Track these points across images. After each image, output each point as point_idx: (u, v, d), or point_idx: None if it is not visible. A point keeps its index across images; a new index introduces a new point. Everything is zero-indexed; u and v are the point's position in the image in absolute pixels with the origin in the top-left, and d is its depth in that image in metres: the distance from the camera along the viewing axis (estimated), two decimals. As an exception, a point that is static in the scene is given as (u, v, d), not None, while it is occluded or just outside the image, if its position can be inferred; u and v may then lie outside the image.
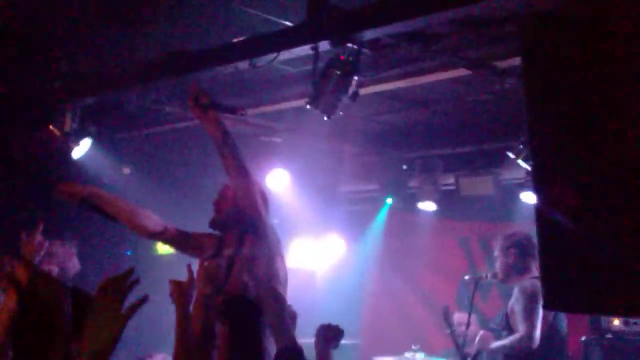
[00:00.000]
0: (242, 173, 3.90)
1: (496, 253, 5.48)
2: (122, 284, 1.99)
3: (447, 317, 5.46)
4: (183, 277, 8.79)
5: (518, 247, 5.37)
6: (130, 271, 2.04)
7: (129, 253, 9.18)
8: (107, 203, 4.27)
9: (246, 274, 3.91)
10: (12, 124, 5.83)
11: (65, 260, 6.00)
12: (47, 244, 3.97)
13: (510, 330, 5.19)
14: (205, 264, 4.07)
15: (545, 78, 2.10)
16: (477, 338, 5.30)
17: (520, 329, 5.04)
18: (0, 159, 6.32)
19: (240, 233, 4.02)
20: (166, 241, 4.40)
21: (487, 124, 6.98)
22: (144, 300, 2.00)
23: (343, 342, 3.80)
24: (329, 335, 3.51)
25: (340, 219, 8.50)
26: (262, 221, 3.97)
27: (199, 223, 8.29)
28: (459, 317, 6.65)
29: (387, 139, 7.64)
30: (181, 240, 4.32)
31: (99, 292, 1.94)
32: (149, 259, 9.36)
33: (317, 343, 3.50)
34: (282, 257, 4.05)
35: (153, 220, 4.27)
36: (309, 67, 5.48)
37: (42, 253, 3.90)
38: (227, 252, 4.05)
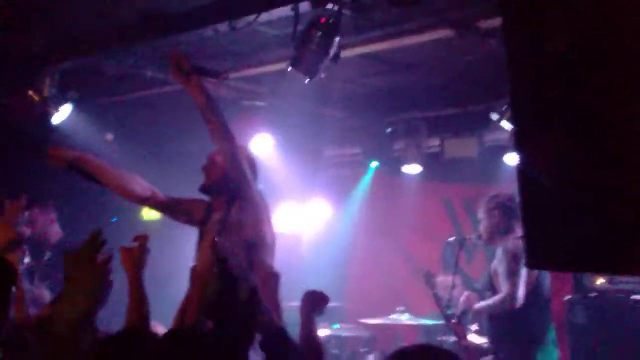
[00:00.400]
0: (227, 138, 3.87)
1: (480, 215, 5.50)
2: (92, 247, 2.02)
3: (428, 280, 5.50)
4: (170, 241, 8.83)
5: (502, 209, 5.39)
6: (98, 233, 2.12)
7: (114, 220, 9.15)
8: (95, 168, 4.23)
9: (235, 238, 3.86)
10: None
11: (46, 226, 5.97)
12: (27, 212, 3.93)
13: (495, 291, 5.23)
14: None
15: (524, 33, 2.07)
16: (462, 299, 5.35)
17: (504, 289, 5.08)
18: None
19: (229, 198, 4.01)
20: (155, 206, 4.38)
21: (471, 86, 6.94)
22: (110, 257, 2.13)
23: (329, 305, 3.82)
24: (314, 301, 3.51)
25: (325, 183, 8.50)
26: (249, 186, 3.95)
27: (186, 189, 8.28)
28: (443, 279, 6.69)
29: (371, 103, 7.60)
30: (170, 205, 4.31)
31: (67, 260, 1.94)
32: (135, 225, 9.34)
33: (302, 309, 3.50)
34: (270, 222, 4.04)
35: (141, 184, 4.25)
36: (291, 30, 5.49)
37: (22, 219, 3.86)
38: (217, 216, 4.05)
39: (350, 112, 7.82)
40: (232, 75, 6.53)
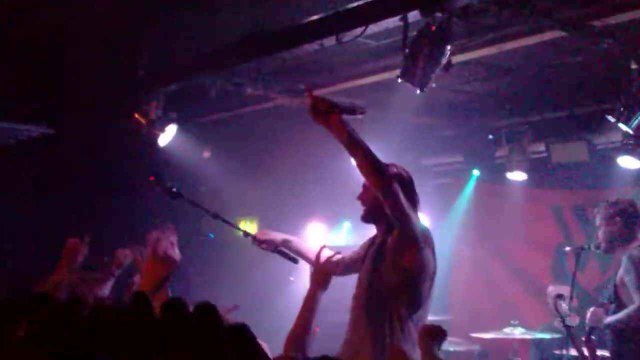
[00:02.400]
0: (374, 173, 3.69)
1: (598, 222, 5.21)
2: None
3: (557, 307, 5.15)
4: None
5: (623, 215, 5.10)
6: None
7: (211, 236, 9.25)
8: (296, 247, 4.47)
9: (388, 264, 3.77)
10: (101, 115, 5.87)
11: (167, 249, 6.07)
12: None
13: (620, 302, 4.93)
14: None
15: None
16: (589, 315, 5.01)
17: (636, 299, 4.78)
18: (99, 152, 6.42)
19: (387, 224, 3.83)
20: (344, 272, 4.24)
21: (577, 87, 6.66)
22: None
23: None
24: (432, 335, 3.34)
25: (424, 193, 8.29)
26: (407, 218, 3.70)
27: (281, 203, 8.27)
28: (554, 289, 6.42)
29: (471, 109, 7.40)
30: (356, 260, 4.15)
31: None
32: (231, 240, 9.41)
33: (420, 342, 3.34)
34: (423, 251, 3.77)
35: (329, 260, 4.21)
36: (387, 40, 5.37)
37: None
38: (376, 242, 3.94)
39: (450, 119, 7.64)
40: (329, 89, 6.47)
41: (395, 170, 3.89)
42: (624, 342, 4.89)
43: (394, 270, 3.70)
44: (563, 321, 5.04)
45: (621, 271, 5.00)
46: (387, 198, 3.65)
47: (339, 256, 4.22)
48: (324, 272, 3.87)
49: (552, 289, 6.75)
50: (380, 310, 3.72)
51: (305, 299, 3.79)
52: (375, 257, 3.83)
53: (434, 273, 3.82)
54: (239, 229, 4.74)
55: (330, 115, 3.68)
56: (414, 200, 3.91)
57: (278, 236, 4.49)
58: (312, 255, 4.26)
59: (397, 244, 3.70)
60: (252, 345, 2.08)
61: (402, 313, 3.67)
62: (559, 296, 5.06)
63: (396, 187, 3.68)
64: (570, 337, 5.09)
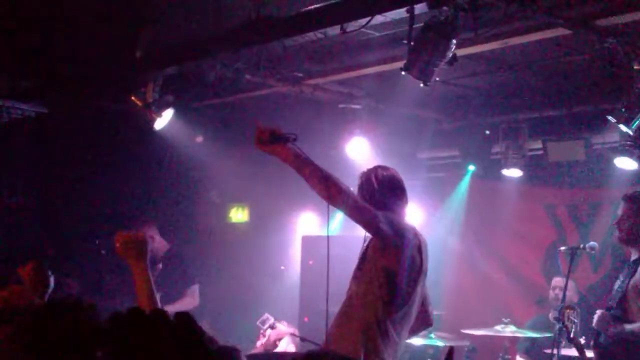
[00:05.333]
0: (333, 200, 3.72)
1: (621, 211, 5.00)
2: None
3: (565, 318, 4.97)
4: (258, 246, 8.72)
5: None
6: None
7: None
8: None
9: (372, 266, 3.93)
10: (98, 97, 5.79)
11: (150, 244, 6.07)
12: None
13: (624, 308, 4.78)
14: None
15: None
16: (596, 318, 4.87)
17: None
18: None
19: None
20: None
21: (577, 86, 6.63)
22: None
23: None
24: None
25: (418, 186, 8.26)
26: (381, 232, 3.82)
27: (274, 192, 8.21)
28: (560, 280, 6.43)
29: (470, 104, 7.36)
30: None
31: None
32: (223, 226, 9.37)
33: None
34: (417, 248, 3.96)
35: None
36: (388, 32, 5.31)
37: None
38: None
39: (447, 113, 7.59)
40: (329, 78, 6.42)
41: (373, 178, 4.02)
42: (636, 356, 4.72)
43: (375, 269, 3.83)
44: (569, 335, 4.84)
45: (637, 277, 4.81)
46: (365, 225, 3.80)
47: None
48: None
49: (558, 280, 6.71)
50: (361, 307, 3.85)
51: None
52: (362, 255, 3.96)
53: (421, 270, 3.93)
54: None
55: (274, 145, 3.70)
56: (399, 198, 4.03)
57: None
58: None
59: (377, 244, 3.85)
60: None
61: (382, 310, 3.80)
62: (570, 308, 4.86)
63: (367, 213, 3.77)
64: (571, 341, 4.90)
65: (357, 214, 3.75)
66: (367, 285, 3.85)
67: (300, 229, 8.71)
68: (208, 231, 8.69)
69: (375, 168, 4.11)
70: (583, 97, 6.70)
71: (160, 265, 6.15)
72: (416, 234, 3.99)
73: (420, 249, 3.98)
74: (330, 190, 3.65)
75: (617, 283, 5.01)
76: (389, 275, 3.80)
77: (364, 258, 3.93)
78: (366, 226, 3.80)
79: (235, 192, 8.96)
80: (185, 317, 1.78)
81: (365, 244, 4.02)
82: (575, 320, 4.73)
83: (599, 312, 4.86)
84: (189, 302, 6.28)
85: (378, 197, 3.95)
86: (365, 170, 4.14)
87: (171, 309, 5.51)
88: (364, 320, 3.81)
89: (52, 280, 3.25)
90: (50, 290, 3.30)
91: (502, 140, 7.25)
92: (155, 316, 1.78)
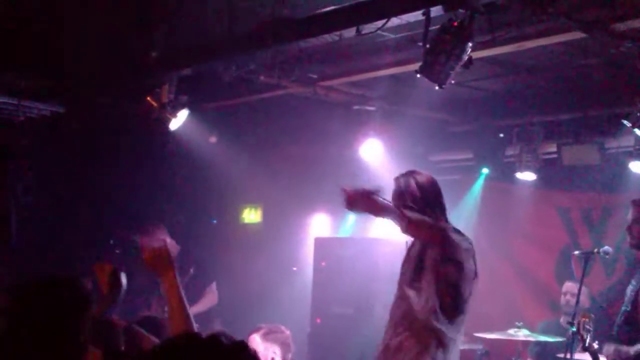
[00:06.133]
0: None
1: (631, 216, 4.95)
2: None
3: (580, 327, 4.95)
4: (270, 244, 8.72)
5: None
6: None
7: (214, 221, 9.23)
8: None
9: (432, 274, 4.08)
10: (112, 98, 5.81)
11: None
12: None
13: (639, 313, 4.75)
14: None
15: None
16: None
17: None
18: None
19: None
20: None
21: (592, 89, 6.60)
22: None
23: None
24: None
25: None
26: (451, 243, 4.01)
27: (287, 194, 8.21)
28: (572, 285, 6.41)
29: (484, 106, 7.34)
30: None
31: None
32: (234, 227, 9.39)
33: None
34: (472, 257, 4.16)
35: None
36: (404, 34, 5.30)
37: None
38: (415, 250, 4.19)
39: (461, 116, 7.58)
40: (344, 79, 6.42)
41: (414, 184, 4.19)
42: None
43: (437, 279, 3.93)
44: (584, 344, 4.81)
45: None
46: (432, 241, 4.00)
47: None
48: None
49: (569, 285, 6.68)
50: (423, 316, 3.95)
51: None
52: (415, 268, 4.03)
53: (476, 276, 4.10)
54: None
55: (366, 205, 3.81)
56: (442, 203, 4.22)
57: None
58: None
59: (439, 254, 3.95)
60: None
61: (444, 319, 3.95)
62: (585, 316, 4.83)
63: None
64: (587, 349, 4.87)
65: (436, 237, 3.97)
66: (428, 295, 3.94)
67: (313, 230, 8.72)
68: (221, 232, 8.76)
69: (412, 173, 4.26)
70: (598, 100, 6.67)
71: (192, 270, 6.23)
72: (470, 242, 4.14)
73: (475, 256, 4.12)
74: (420, 231, 3.91)
75: (630, 288, 4.99)
76: (452, 285, 3.95)
77: (421, 267, 4.01)
78: (437, 242, 3.95)
79: (249, 192, 8.98)
80: (240, 345, 1.77)
81: (414, 252, 4.12)
82: (590, 329, 4.71)
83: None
84: (210, 300, 6.35)
85: (422, 204, 4.07)
86: (400, 176, 4.26)
87: (194, 309, 5.54)
88: (427, 330, 3.91)
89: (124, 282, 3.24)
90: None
91: (516, 143, 7.23)
92: (212, 343, 1.75)
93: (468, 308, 4.07)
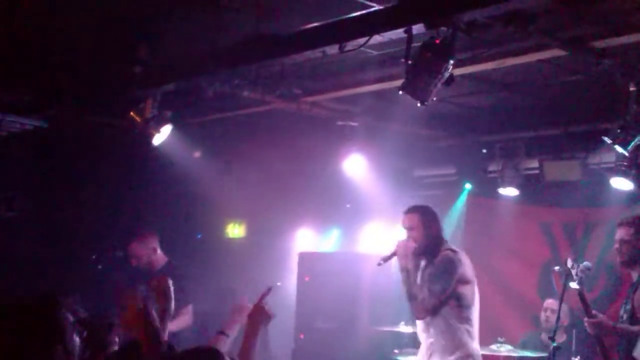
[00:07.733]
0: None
1: (620, 235, 5.06)
2: None
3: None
4: (254, 259, 8.69)
5: None
6: None
7: (199, 236, 9.21)
8: None
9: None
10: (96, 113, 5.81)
11: (149, 256, 6.18)
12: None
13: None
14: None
15: None
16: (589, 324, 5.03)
17: None
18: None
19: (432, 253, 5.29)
20: None
21: (573, 106, 6.68)
22: None
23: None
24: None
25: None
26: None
27: (271, 209, 8.21)
28: (552, 302, 6.47)
29: (466, 122, 7.40)
30: None
31: None
32: (219, 242, 9.37)
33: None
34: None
35: None
36: (388, 50, 5.34)
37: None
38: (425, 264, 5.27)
39: (445, 131, 7.63)
40: (327, 95, 6.46)
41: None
42: None
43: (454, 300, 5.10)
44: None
45: None
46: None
47: None
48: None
49: (550, 302, 6.73)
50: (442, 318, 5.07)
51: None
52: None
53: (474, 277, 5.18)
54: None
55: None
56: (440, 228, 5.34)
57: None
58: None
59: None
60: None
61: (457, 316, 5.08)
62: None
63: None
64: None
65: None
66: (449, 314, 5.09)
67: (297, 245, 8.72)
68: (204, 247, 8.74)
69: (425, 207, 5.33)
70: (580, 117, 6.74)
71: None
72: (466, 256, 5.20)
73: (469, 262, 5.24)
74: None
75: (623, 307, 5.08)
76: (463, 300, 5.11)
77: None
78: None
79: (233, 207, 8.98)
80: None
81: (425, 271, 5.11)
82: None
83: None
84: (184, 320, 6.24)
85: (441, 231, 5.29)
86: (417, 211, 5.27)
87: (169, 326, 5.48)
88: (449, 326, 5.08)
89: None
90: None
91: (499, 159, 7.29)
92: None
93: (475, 301, 5.41)
